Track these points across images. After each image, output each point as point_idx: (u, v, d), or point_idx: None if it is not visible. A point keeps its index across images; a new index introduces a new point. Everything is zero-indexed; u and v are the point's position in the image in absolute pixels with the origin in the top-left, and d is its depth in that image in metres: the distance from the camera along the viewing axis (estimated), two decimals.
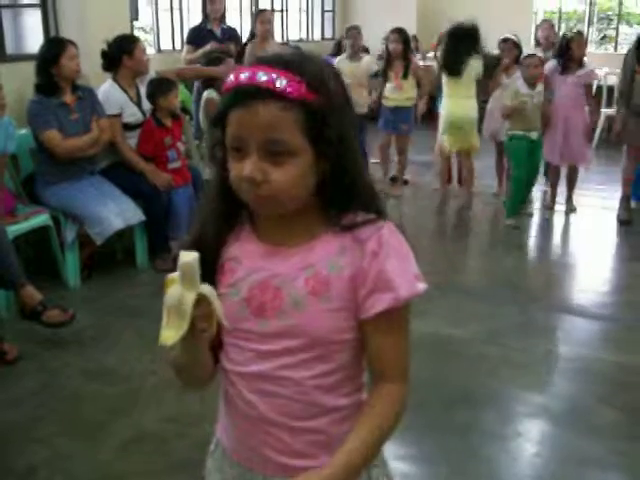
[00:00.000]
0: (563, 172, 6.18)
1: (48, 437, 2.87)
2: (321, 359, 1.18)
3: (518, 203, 5.88)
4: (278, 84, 1.08)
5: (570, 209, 6.18)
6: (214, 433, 1.38)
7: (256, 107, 1.08)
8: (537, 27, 6.93)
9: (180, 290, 1.08)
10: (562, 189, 6.18)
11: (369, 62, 6.82)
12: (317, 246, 1.18)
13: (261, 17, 6.60)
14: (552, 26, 7.23)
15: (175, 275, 1.09)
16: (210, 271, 1.18)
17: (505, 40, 6.38)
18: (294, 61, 1.12)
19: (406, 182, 6.98)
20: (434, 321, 3.80)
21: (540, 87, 5.70)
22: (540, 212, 6.28)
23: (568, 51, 5.85)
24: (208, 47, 6.09)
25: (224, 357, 1.26)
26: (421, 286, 1.17)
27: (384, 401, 1.19)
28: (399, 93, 6.54)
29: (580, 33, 6.09)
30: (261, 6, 8.86)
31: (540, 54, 6.08)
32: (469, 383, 3.30)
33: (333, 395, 1.21)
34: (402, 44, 6.45)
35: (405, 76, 6.50)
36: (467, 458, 2.75)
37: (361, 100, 6.35)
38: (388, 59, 6.55)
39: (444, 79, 6.11)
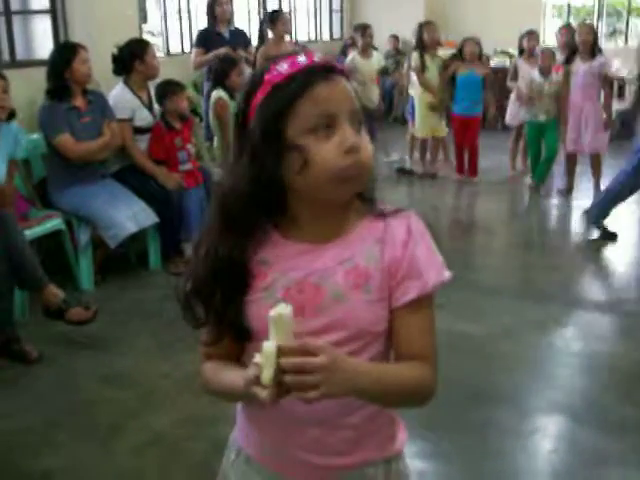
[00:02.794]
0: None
1: (63, 441, 2.87)
2: (357, 352, 1.18)
3: (539, 174, 6.51)
4: (335, 63, 1.15)
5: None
6: (232, 442, 1.36)
7: (337, 81, 1.12)
8: (558, 31, 6.96)
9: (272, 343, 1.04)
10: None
11: (379, 59, 7.36)
12: (352, 238, 1.19)
13: (282, 18, 6.82)
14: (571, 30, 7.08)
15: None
16: (240, 281, 1.18)
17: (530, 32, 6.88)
18: (313, 52, 1.18)
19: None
20: (448, 318, 3.76)
21: (554, 76, 6.17)
22: (556, 203, 6.29)
23: (574, 42, 6.13)
24: (222, 50, 6.08)
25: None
26: (447, 274, 1.19)
27: (413, 368, 1.17)
28: None
29: (584, 22, 6.22)
30: (269, 8, 8.86)
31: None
32: (485, 380, 3.27)
33: None
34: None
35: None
36: (484, 455, 2.72)
37: (373, 95, 6.90)
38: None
39: None
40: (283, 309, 1.04)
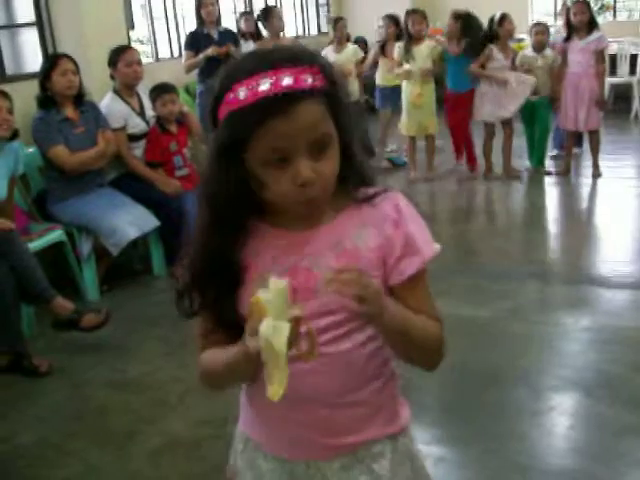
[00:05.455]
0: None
1: (80, 450, 2.87)
2: (354, 332, 1.20)
3: (536, 157, 6.44)
4: (305, 81, 1.07)
5: (596, 174, 6.23)
6: (238, 434, 1.37)
7: (296, 112, 1.06)
8: (568, 9, 6.35)
9: (270, 330, 1.02)
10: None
11: (355, 51, 7.24)
12: (339, 223, 1.20)
13: (276, 15, 6.93)
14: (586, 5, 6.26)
15: (261, 296, 1.04)
16: (233, 275, 1.19)
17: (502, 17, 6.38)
18: (300, 54, 1.12)
19: None
20: (455, 302, 3.75)
21: (548, 52, 6.12)
22: (554, 182, 6.27)
23: (569, 18, 6.07)
24: (209, 51, 6.08)
25: None
26: (437, 246, 1.23)
27: (429, 320, 1.22)
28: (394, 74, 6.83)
29: (576, 1, 6.13)
30: (255, 5, 8.85)
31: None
32: (497, 362, 3.26)
33: (372, 364, 1.23)
34: (394, 27, 6.97)
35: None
36: (501, 436, 2.72)
37: (351, 89, 6.65)
38: (383, 43, 7.06)
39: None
40: (277, 284, 1.04)
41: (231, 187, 1.14)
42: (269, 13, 6.99)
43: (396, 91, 6.84)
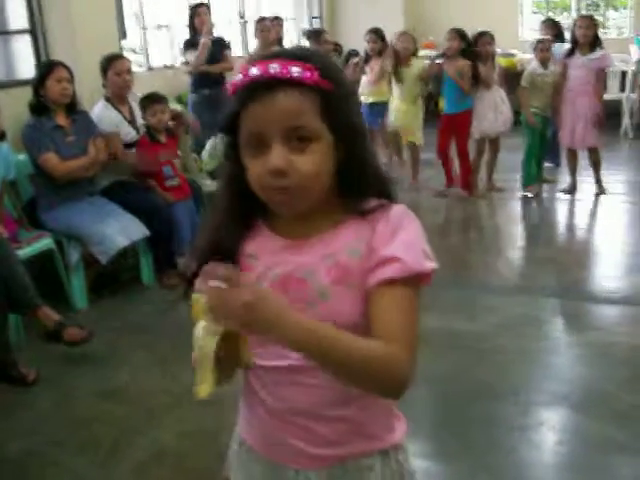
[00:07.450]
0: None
1: (66, 460, 2.84)
2: None
3: (532, 175, 6.26)
4: (294, 71, 1.09)
5: (600, 191, 6.19)
6: (236, 433, 1.37)
7: (274, 97, 1.09)
8: (574, 24, 6.23)
9: (203, 332, 1.05)
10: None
11: (340, 63, 7.47)
12: (336, 235, 1.19)
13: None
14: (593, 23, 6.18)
15: (199, 296, 1.04)
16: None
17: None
18: (302, 53, 1.15)
19: None
20: (445, 316, 3.76)
21: (552, 67, 6.09)
22: (549, 197, 6.29)
23: (573, 32, 6.02)
24: (205, 40, 6.19)
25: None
26: (430, 264, 1.14)
27: (375, 342, 1.08)
28: (375, 89, 6.85)
29: (583, 15, 6.11)
30: (248, 17, 8.87)
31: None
32: (486, 376, 3.26)
33: None
34: (379, 42, 6.87)
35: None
36: (490, 451, 2.71)
37: None
38: (366, 57, 6.99)
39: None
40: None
41: (232, 172, 1.19)
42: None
43: (384, 107, 6.81)
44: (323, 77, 1.12)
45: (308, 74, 1.10)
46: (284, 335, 1.02)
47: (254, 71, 1.10)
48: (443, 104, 6.63)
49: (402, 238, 1.14)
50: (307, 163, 1.11)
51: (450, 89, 6.33)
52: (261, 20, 7.10)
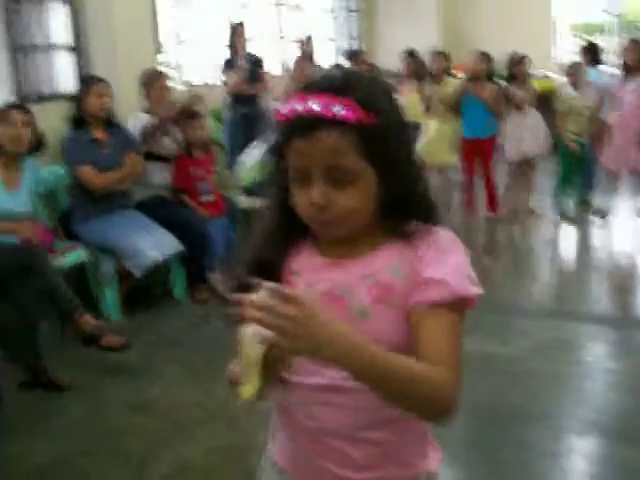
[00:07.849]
0: None
1: (94, 471, 2.86)
2: None
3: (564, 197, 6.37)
4: (335, 111, 1.10)
5: None
6: (268, 452, 1.37)
7: (316, 136, 1.10)
8: (624, 49, 6.11)
9: (250, 339, 1.06)
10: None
11: None
12: (378, 256, 1.19)
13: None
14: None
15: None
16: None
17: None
18: (343, 83, 1.15)
19: None
20: (478, 339, 3.72)
21: (586, 92, 6.10)
22: (584, 220, 6.23)
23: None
24: (241, 63, 6.33)
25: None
26: (474, 289, 1.14)
27: (423, 364, 1.07)
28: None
29: (632, 39, 6.04)
30: (285, 34, 8.97)
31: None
32: (518, 400, 3.22)
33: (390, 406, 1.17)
34: (413, 64, 6.71)
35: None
36: (520, 476, 2.68)
37: None
38: (399, 77, 6.86)
39: None
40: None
41: (279, 193, 1.22)
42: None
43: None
44: (364, 109, 1.11)
45: (350, 114, 1.10)
46: (332, 355, 1.00)
47: (298, 106, 1.12)
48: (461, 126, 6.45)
49: (449, 262, 1.15)
50: (347, 200, 1.13)
51: (476, 112, 6.20)
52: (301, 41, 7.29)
